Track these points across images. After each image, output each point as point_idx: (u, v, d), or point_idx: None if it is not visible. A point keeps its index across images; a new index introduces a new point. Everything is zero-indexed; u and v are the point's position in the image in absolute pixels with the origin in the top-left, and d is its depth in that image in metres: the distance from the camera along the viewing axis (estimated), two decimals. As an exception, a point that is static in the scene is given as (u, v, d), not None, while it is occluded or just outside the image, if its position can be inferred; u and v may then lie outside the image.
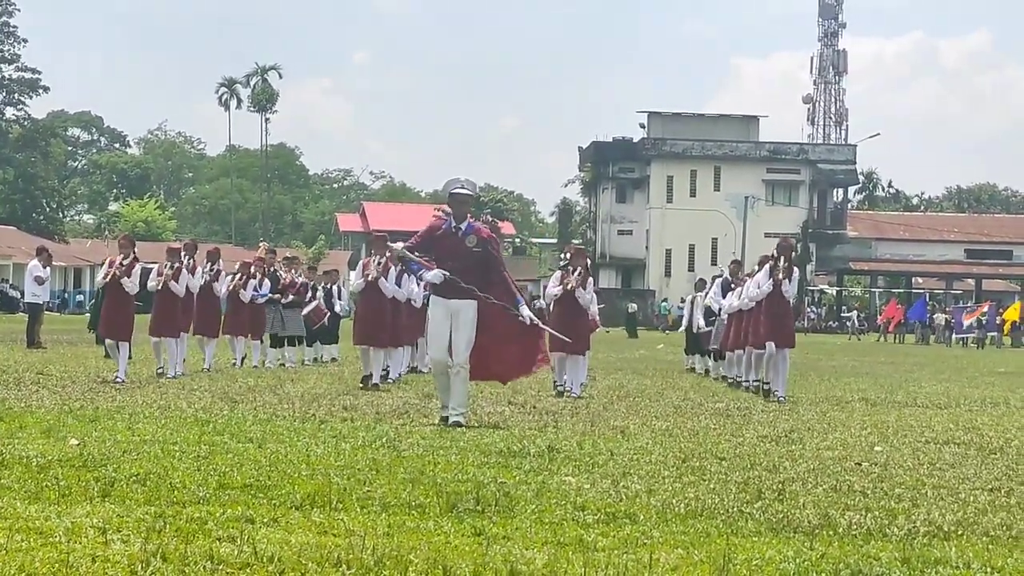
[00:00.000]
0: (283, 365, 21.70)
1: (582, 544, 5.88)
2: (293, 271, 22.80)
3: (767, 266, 16.35)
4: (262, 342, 21.77)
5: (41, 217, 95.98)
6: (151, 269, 18.23)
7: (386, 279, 16.51)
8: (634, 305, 62.35)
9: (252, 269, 21.20)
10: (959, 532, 6.60)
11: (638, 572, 5.21)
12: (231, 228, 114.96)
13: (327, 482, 7.55)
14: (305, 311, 21.69)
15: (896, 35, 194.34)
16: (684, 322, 24.49)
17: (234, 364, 20.64)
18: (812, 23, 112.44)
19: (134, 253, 16.76)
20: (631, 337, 52.70)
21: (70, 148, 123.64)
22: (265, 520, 6.25)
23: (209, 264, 19.47)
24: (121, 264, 16.50)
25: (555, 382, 16.28)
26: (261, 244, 24.51)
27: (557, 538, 6.01)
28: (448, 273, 11.38)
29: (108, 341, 17.25)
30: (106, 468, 7.88)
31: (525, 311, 11.94)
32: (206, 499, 6.86)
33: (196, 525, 6.02)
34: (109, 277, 16.60)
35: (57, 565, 5.06)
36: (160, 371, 17.46)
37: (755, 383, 17.29)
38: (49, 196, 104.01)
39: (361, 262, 17.16)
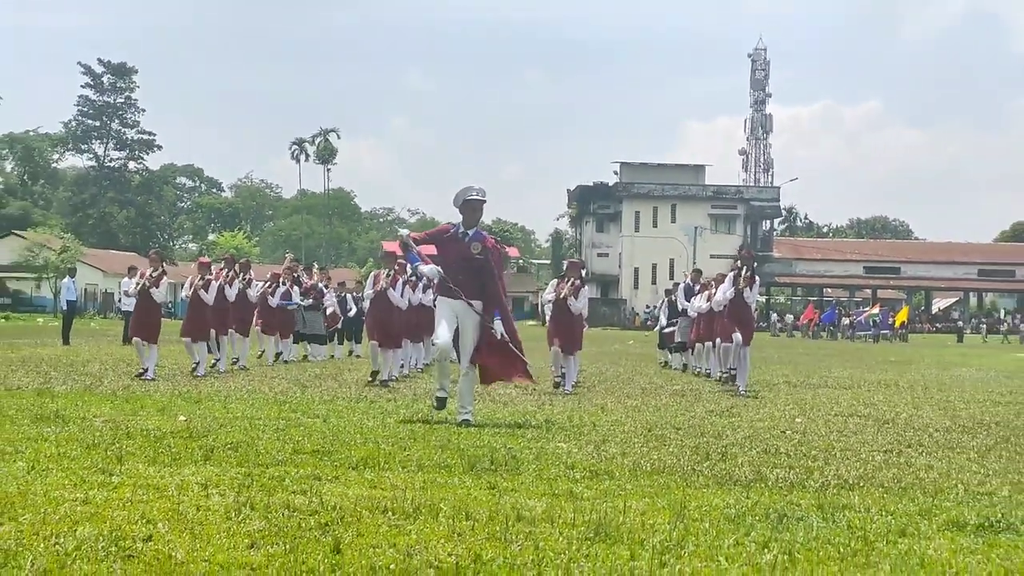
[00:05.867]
0: (306, 358, 20.83)
1: (572, 495, 5.87)
2: (313, 277, 21.69)
3: (731, 275, 15.04)
4: (291, 339, 20.69)
5: (156, 245, 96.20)
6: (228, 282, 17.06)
7: (394, 290, 15.09)
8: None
9: (280, 278, 19.87)
10: (861, 484, 6.59)
11: (615, 516, 5.21)
12: (302, 253, 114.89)
13: (376, 448, 7.55)
14: (328, 312, 20.96)
15: (809, 103, 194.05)
16: (659, 323, 22.42)
17: (259, 358, 19.35)
18: (745, 94, 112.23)
19: (163, 267, 15.19)
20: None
21: (178, 192, 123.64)
22: (329, 478, 6.25)
23: (242, 274, 17.80)
24: (151, 276, 14.93)
25: (553, 374, 14.60)
26: (287, 255, 23.64)
27: (553, 490, 6.00)
28: (441, 271, 9.58)
29: (186, 340, 15.50)
30: (207, 438, 7.90)
31: (498, 326, 9.59)
32: (284, 462, 6.86)
33: (276, 482, 6.03)
34: (139, 287, 14.97)
35: (170, 513, 5.07)
36: (194, 369, 15.54)
37: (724, 373, 15.54)
38: (162, 229, 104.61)
39: (372, 275, 15.58)
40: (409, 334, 16.68)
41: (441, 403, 9.75)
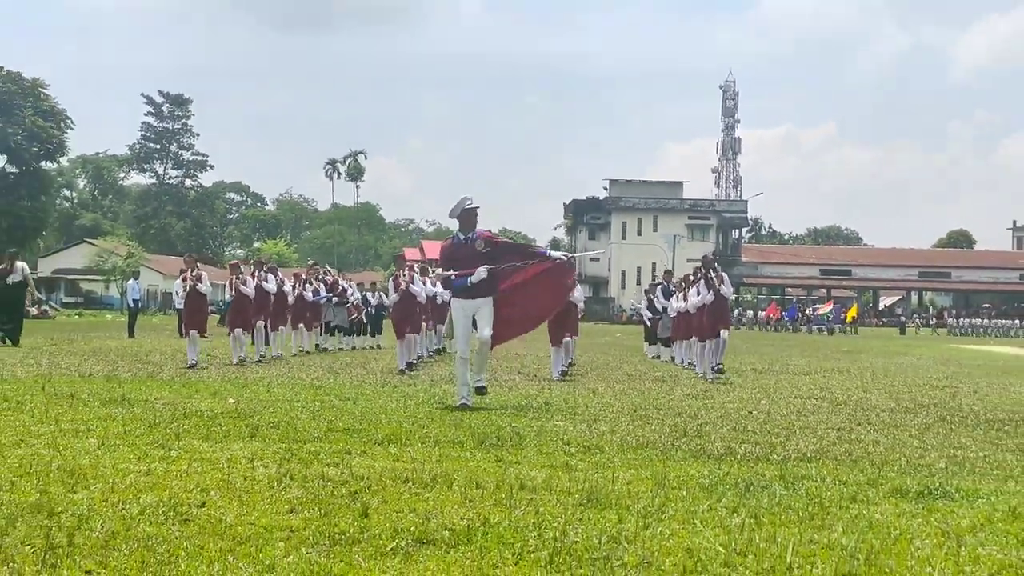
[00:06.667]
0: (319, 349, 20.16)
1: (568, 467, 5.87)
2: (336, 276, 21.66)
3: (702, 279, 14.63)
4: (321, 330, 20.37)
5: (209, 251, 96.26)
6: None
7: (413, 284, 15.04)
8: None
9: (305, 279, 19.54)
10: (817, 457, 6.59)
11: (605, 485, 5.22)
12: (334, 258, 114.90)
13: (399, 426, 7.56)
14: (347, 306, 20.88)
15: (772, 127, 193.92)
16: (645, 318, 21.58)
17: (294, 353, 18.46)
18: (717, 119, 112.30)
19: (197, 267, 15.14)
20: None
21: (227, 206, 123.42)
22: (358, 452, 6.26)
23: (268, 274, 17.25)
24: (192, 276, 14.90)
25: (559, 371, 13.94)
26: (309, 261, 23.49)
27: (551, 463, 6.00)
28: (489, 266, 9.46)
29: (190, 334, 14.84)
30: (253, 418, 7.91)
31: (555, 253, 10.07)
32: (319, 438, 6.87)
33: (312, 456, 6.04)
34: (188, 290, 14.89)
35: (221, 483, 5.08)
36: (241, 360, 15.27)
37: (703, 375, 14.55)
38: (214, 238, 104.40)
39: (392, 279, 15.34)
40: (427, 322, 16.92)
41: (463, 407, 9.28)
